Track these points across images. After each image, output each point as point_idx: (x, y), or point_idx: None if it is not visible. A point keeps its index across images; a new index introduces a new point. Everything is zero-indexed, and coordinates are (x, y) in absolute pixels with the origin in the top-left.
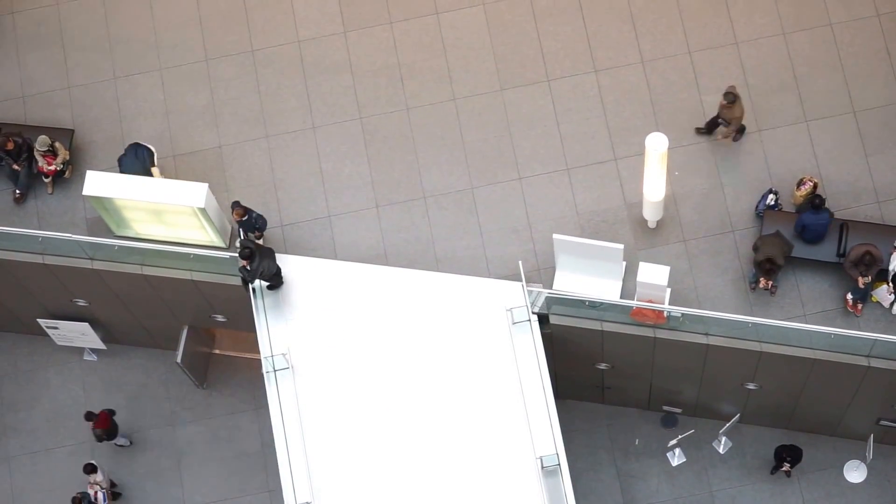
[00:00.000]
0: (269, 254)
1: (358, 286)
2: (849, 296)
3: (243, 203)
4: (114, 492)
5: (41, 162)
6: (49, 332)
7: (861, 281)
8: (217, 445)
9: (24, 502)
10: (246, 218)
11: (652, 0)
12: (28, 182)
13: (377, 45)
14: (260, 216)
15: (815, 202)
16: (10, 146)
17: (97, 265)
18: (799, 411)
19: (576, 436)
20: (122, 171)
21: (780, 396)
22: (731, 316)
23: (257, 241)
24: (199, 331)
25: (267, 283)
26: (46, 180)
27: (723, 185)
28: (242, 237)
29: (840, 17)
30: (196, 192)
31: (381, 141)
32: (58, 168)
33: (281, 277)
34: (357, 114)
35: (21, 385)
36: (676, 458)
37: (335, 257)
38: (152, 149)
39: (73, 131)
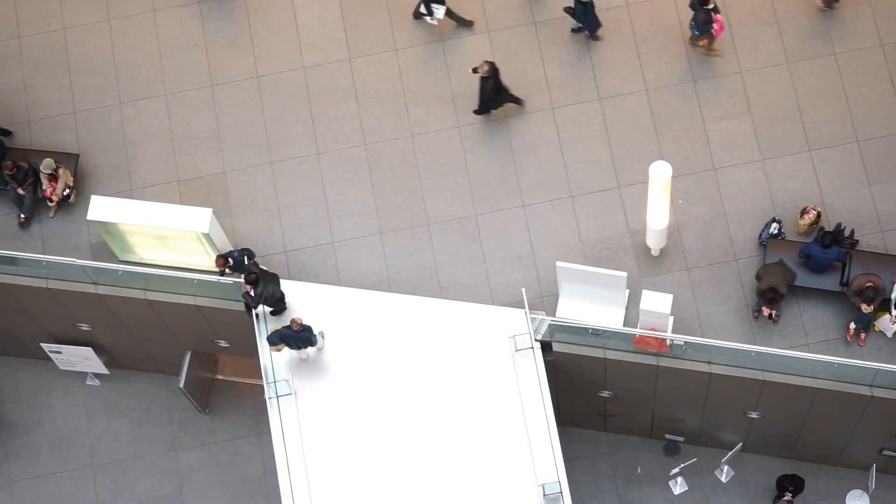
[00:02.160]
0: (274, 279)
1: (361, 312)
2: (851, 325)
3: (234, 238)
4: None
5: (46, 186)
6: (52, 356)
7: (864, 307)
8: (219, 471)
9: None
10: (230, 263)
11: (656, 28)
12: (33, 207)
13: (382, 72)
14: (241, 251)
15: (824, 241)
16: (16, 170)
17: (101, 290)
18: (801, 440)
19: (578, 464)
20: None
21: (783, 425)
22: (733, 345)
23: (262, 267)
24: (201, 356)
25: (270, 309)
26: (51, 204)
27: (726, 214)
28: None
29: (844, 47)
30: (200, 218)
31: (386, 167)
32: (62, 194)
33: (284, 303)
34: (361, 140)
35: (23, 409)
36: (679, 487)
37: (338, 283)
38: None
39: (78, 156)
